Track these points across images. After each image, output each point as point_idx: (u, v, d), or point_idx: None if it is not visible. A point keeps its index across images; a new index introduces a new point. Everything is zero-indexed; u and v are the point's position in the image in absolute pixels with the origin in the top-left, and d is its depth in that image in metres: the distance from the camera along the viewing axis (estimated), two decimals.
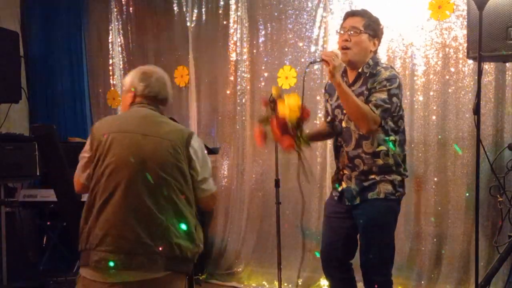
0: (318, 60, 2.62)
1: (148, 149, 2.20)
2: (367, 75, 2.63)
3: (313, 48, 4.17)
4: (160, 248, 2.13)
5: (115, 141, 2.22)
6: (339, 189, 2.74)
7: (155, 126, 2.29)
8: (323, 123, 3.00)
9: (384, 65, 2.70)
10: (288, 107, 2.48)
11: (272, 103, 2.59)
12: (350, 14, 2.71)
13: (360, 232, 2.71)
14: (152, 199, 2.15)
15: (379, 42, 2.73)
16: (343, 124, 2.69)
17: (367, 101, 2.55)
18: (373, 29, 2.66)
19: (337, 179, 2.77)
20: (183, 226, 2.19)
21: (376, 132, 2.57)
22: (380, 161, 2.61)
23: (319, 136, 3.03)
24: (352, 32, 2.62)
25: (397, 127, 2.65)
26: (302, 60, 4.22)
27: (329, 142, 3.75)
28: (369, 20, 2.66)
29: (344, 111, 2.66)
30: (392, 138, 2.63)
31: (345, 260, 2.82)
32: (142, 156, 2.18)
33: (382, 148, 2.60)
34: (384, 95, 2.53)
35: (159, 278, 2.14)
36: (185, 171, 2.22)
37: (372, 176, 2.62)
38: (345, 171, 2.70)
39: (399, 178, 2.65)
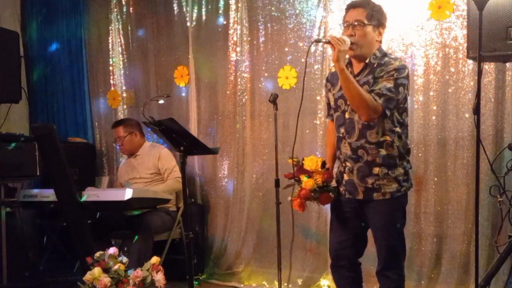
0: (324, 40, 2.62)
1: None
2: (375, 65, 2.60)
3: (313, 48, 4.16)
4: None
5: None
6: (343, 182, 2.74)
7: None
8: (331, 139, 2.87)
9: (392, 56, 2.68)
10: (309, 182, 2.68)
11: (294, 177, 2.76)
12: (352, 6, 2.64)
13: (372, 232, 2.72)
14: None
15: (384, 29, 2.69)
16: (346, 115, 2.66)
17: (370, 90, 2.52)
18: (377, 18, 2.61)
19: (339, 172, 2.77)
20: None
21: (380, 121, 2.55)
22: (383, 151, 2.59)
23: (335, 155, 2.90)
24: (356, 24, 2.58)
25: (402, 119, 2.64)
26: (302, 60, 4.22)
27: None
28: (371, 10, 2.60)
29: (348, 102, 2.64)
30: (397, 129, 2.61)
31: (355, 259, 2.83)
32: None
33: (387, 138, 2.59)
34: (390, 84, 2.51)
35: None
36: None
37: (376, 170, 2.60)
38: (348, 163, 2.69)
39: (402, 172, 2.64)
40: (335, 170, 2.88)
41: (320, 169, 2.71)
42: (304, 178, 2.70)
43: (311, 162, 2.72)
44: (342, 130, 2.70)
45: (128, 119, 4.59)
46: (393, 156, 2.60)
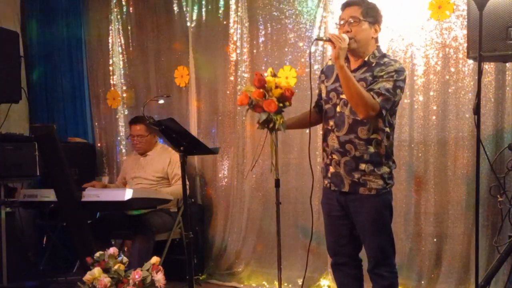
0: (324, 38, 2.64)
1: None
2: (373, 64, 2.63)
3: (313, 48, 4.16)
4: None
5: None
6: (328, 174, 2.74)
7: None
8: (306, 112, 2.93)
9: (392, 57, 2.72)
10: (275, 82, 2.72)
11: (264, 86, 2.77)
12: (347, 4, 2.69)
13: (359, 230, 2.72)
14: None
15: (380, 27, 2.71)
16: (338, 109, 2.68)
17: (369, 88, 2.55)
18: (372, 15, 2.65)
19: (325, 164, 2.77)
20: None
21: (373, 119, 2.57)
22: (372, 149, 2.62)
23: (298, 124, 2.99)
24: (352, 21, 2.61)
25: (391, 121, 2.68)
26: (302, 60, 4.22)
27: None
28: (366, 7, 2.65)
29: (341, 96, 2.66)
30: (387, 129, 2.65)
31: (355, 254, 2.83)
32: None
33: (376, 136, 2.62)
34: (389, 85, 2.55)
35: None
36: None
37: (363, 166, 2.62)
38: (334, 156, 2.70)
39: (388, 170, 2.67)
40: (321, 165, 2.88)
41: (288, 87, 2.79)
42: (269, 78, 2.75)
43: (285, 82, 2.81)
44: (331, 123, 2.71)
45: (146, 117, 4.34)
46: (380, 155, 2.63)
